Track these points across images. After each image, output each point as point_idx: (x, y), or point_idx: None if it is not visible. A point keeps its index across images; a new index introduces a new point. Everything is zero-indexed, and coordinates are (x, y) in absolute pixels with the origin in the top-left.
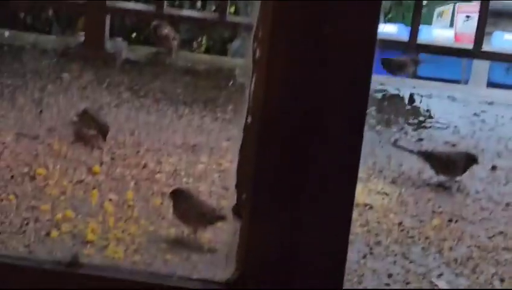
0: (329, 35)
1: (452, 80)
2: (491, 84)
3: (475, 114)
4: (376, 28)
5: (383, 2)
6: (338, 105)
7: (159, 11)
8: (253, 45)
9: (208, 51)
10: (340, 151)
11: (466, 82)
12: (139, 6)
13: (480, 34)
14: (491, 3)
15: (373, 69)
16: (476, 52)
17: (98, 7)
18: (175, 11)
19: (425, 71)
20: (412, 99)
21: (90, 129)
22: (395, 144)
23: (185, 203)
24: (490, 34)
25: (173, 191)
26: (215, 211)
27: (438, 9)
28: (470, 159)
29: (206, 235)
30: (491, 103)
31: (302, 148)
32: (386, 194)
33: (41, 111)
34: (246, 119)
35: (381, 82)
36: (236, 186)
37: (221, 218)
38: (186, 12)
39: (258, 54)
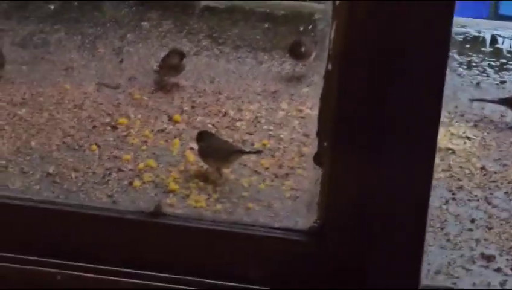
0: None
1: None
2: None
3: None
4: None
5: None
6: (419, 47)
7: None
8: None
9: None
10: (422, 95)
11: None
12: None
13: None
14: None
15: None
16: None
17: None
18: None
19: (508, 9)
20: (494, 40)
21: (171, 77)
22: (473, 99)
23: (206, 142)
24: None
25: (198, 133)
26: (233, 147)
27: None
28: None
29: (288, 182)
30: None
31: (382, 94)
32: (468, 138)
33: (121, 60)
34: (327, 66)
35: (462, 24)
36: (318, 134)
37: (240, 152)
38: None
39: (337, 1)
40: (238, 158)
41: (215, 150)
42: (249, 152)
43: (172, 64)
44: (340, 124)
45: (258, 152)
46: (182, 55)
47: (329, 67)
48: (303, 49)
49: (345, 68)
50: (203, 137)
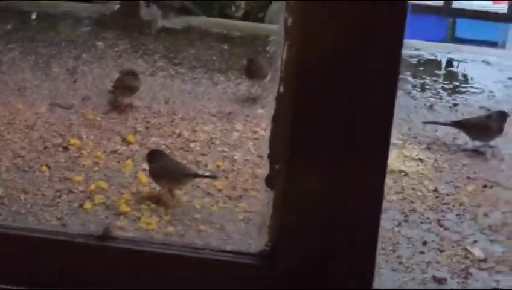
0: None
1: (490, 42)
2: None
3: (510, 78)
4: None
5: None
6: (371, 74)
7: None
8: (285, 13)
9: (246, 16)
10: (373, 119)
11: (503, 44)
12: None
13: None
14: None
15: (407, 34)
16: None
17: None
18: None
19: (463, 33)
20: (449, 63)
21: (125, 98)
22: (426, 122)
23: (158, 163)
24: None
25: (149, 153)
26: (186, 170)
27: None
28: (501, 116)
29: (241, 204)
30: None
31: (333, 116)
32: (421, 160)
33: (75, 80)
34: (279, 88)
35: (416, 47)
36: (269, 156)
37: (194, 176)
38: None
39: (290, 21)
40: (191, 180)
41: (167, 171)
42: (203, 176)
43: (125, 84)
44: (292, 146)
45: (212, 177)
46: (135, 76)
47: (281, 89)
48: (258, 69)
49: (297, 90)
50: (154, 157)
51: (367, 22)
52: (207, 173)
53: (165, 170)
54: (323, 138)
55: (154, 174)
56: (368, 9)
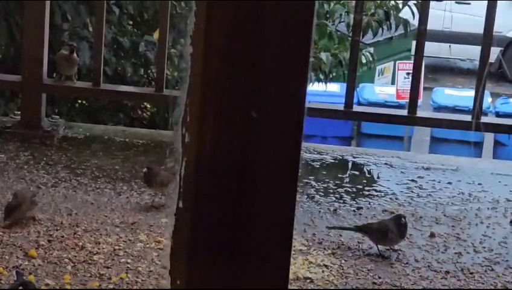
0: (259, 119)
1: (396, 136)
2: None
3: (412, 180)
4: (303, 99)
5: (324, 61)
6: (269, 185)
7: (95, 87)
8: (182, 129)
9: (153, 119)
10: (272, 232)
11: (409, 138)
12: (76, 83)
13: (414, 100)
14: (429, 59)
15: (313, 131)
16: (411, 119)
17: (33, 85)
18: (112, 86)
19: (369, 128)
20: (351, 166)
21: (27, 211)
22: (330, 227)
23: None
24: (431, 89)
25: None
26: None
27: (379, 67)
28: (402, 220)
29: None
30: (427, 168)
31: (232, 227)
32: (326, 266)
33: None
34: (178, 203)
35: (319, 150)
36: (170, 272)
37: None
38: (124, 87)
39: (187, 138)
40: None
41: None
42: None
43: (13, 207)
44: (191, 261)
45: None
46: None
47: (180, 204)
48: (157, 179)
49: (194, 206)
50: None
51: (266, 139)
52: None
53: None
54: (222, 250)
55: None
56: (265, 126)
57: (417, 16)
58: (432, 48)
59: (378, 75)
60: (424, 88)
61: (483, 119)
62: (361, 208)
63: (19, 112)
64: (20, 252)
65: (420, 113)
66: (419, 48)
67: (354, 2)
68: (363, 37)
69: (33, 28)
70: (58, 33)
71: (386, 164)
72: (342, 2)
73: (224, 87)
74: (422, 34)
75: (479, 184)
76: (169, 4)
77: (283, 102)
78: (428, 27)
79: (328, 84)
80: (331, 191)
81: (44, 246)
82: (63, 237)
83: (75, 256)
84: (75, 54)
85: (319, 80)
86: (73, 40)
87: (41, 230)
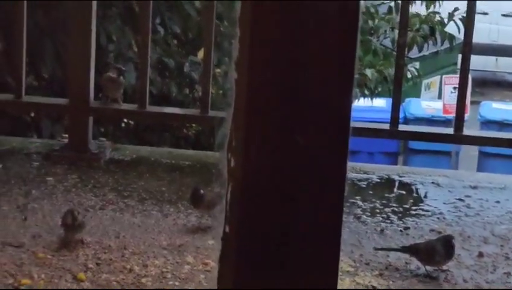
0: (303, 143)
1: (444, 152)
2: None
3: (459, 199)
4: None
5: (369, 77)
6: (315, 207)
7: (141, 110)
8: (228, 154)
9: (199, 138)
10: (318, 254)
11: (457, 154)
12: (122, 106)
13: (460, 117)
14: (476, 72)
15: (352, 155)
16: (457, 137)
17: (80, 108)
18: (158, 109)
19: (416, 144)
20: (398, 186)
21: (75, 232)
22: (377, 248)
23: None
24: (478, 103)
25: None
26: None
27: (425, 81)
28: (450, 240)
29: None
30: (475, 187)
31: (279, 259)
32: (374, 288)
33: (25, 218)
34: (224, 228)
35: (365, 170)
36: None
37: None
38: (169, 109)
39: (232, 163)
40: None
41: None
42: None
43: (67, 223)
44: (239, 286)
45: None
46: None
47: (227, 229)
48: (203, 200)
49: (242, 232)
50: None
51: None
52: None
53: None
54: (268, 274)
55: None
56: (308, 149)
57: (462, 30)
58: (478, 62)
59: (425, 90)
60: (471, 102)
61: None
62: (409, 228)
63: (66, 135)
64: (69, 275)
65: (467, 131)
66: (465, 62)
67: (398, 18)
68: (408, 52)
69: (79, 50)
70: (103, 54)
71: (432, 182)
72: (386, 18)
73: (269, 113)
74: (468, 48)
75: None
76: (214, 23)
77: (327, 125)
78: (474, 40)
79: (374, 99)
80: (378, 211)
81: (92, 269)
82: (111, 259)
83: (123, 279)
84: (121, 76)
85: (364, 96)
86: (118, 61)
87: (90, 253)
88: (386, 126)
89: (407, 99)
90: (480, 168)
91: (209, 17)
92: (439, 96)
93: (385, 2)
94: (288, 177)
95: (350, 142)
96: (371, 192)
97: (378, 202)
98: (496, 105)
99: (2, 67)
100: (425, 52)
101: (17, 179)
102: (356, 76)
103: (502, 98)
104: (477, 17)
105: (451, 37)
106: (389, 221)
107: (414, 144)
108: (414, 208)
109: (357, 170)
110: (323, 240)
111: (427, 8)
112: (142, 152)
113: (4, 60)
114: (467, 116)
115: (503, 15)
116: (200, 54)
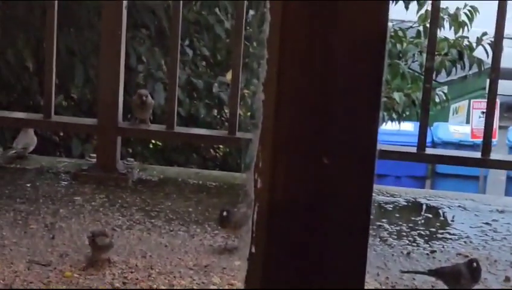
0: (330, 165)
1: (471, 176)
2: None
3: (486, 223)
4: (375, 143)
5: (397, 101)
6: (341, 229)
7: (169, 130)
8: (255, 175)
9: (226, 159)
10: (344, 276)
11: (485, 178)
12: (151, 126)
13: (488, 141)
14: (504, 97)
15: (379, 178)
16: (484, 161)
17: (109, 128)
18: (185, 130)
19: (443, 168)
20: (424, 209)
21: (101, 253)
22: (404, 271)
23: None
24: (506, 128)
25: None
26: None
27: (453, 106)
28: (475, 264)
29: None
30: (502, 211)
31: (305, 282)
32: None
33: (53, 236)
34: (251, 248)
35: (391, 193)
36: None
37: None
38: (197, 130)
39: (259, 184)
40: None
41: None
42: None
43: (96, 244)
44: None
45: None
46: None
47: (253, 249)
48: (231, 220)
49: (268, 253)
50: None
51: (335, 191)
52: None
53: None
54: None
55: None
56: (335, 177)
57: (491, 54)
58: (507, 87)
59: (453, 114)
60: (500, 127)
61: None
62: (435, 251)
63: (95, 155)
64: None
65: (494, 155)
66: (493, 87)
67: (426, 41)
68: (436, 76)
69: (108, 71)
70: (133, 75)
71: (459, 206)
72: (415, 42)
73: (296, 134)
74: (496, 73)
75: None
76: (242, 45)
77: (354, 146)
78: (502, 65)
79: (402, 123)
80: (404, 234)
81: (119, 289)
82: (137, 279)
83: None
84: (149, 98)
85: (392, 119)
86: (148, 81)
87: (116, 272)
88: (413, 149)
89: (435, 124)
90: (508, 193)
91: (238, 38)
92: (467, 121)
93: (413, 26)
94: (315, 199)
95: (377, 166)
96: (397, 215)
97: (404, 225)
98: None
99: (33, 88)
100: (453, 77)
101: (46, 198)
102: (384, 99)
103: None
104: (505, 42)
105: (480, 62)
106: (415, 244)
107: (442, 168)
108: (441, 231)
109: (384, 192)
110: (349, 262)
111: (456, 32)
112: (170, 173)
113: (35, 80)
114: (495, 141)
115: None
116: (229, 75)
